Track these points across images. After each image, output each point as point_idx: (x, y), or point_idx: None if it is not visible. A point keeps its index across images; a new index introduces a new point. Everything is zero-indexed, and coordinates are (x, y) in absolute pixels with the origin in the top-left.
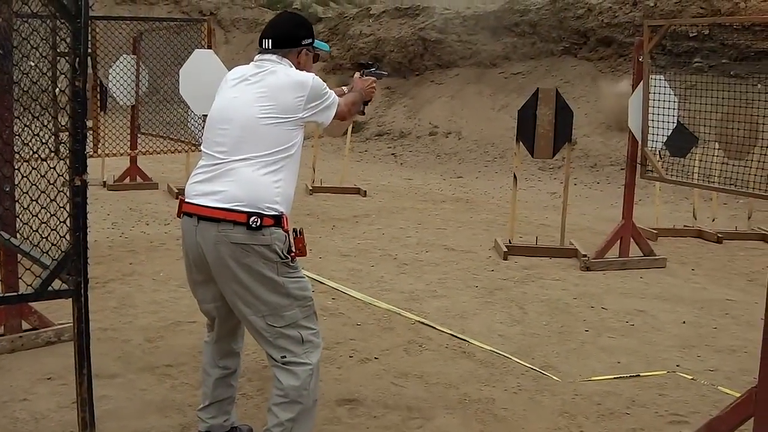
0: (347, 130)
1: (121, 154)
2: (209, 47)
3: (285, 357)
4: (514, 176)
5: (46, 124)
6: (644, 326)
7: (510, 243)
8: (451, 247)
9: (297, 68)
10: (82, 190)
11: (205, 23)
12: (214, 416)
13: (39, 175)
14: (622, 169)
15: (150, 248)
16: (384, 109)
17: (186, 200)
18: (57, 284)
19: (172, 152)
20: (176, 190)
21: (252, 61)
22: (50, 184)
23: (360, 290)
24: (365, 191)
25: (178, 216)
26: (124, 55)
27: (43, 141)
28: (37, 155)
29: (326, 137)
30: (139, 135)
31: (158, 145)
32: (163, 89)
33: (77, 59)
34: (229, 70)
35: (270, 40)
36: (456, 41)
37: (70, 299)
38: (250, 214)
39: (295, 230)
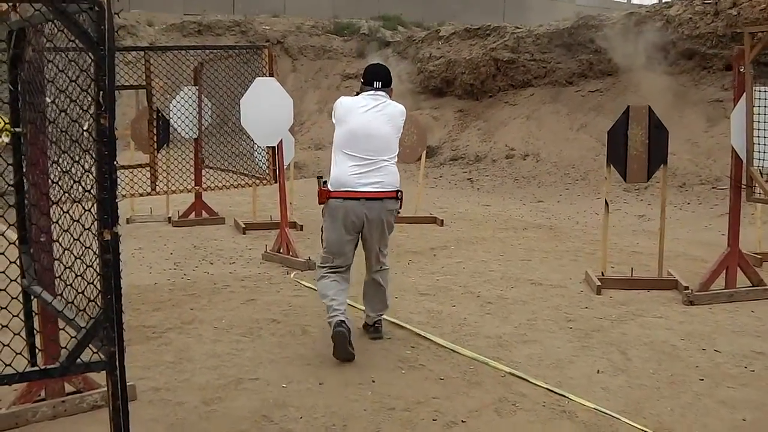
0: (421, 155)
1: (181, 191)
2: (271, 75)
3: (383, 267)
4: (606, 203)
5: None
6: (766, 372)
7: (602, 275)
8: (538, 282)
9: (390, 98)
10: (114, 245)
11: (265, 50)
12: (344, 311)
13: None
14: (713, 188)
15: (213, 291)
16: (457, 133)
17: (349, 189)
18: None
19: (235, 187)
20: (243, 225)
21: (360, 93)
22: (74, 239)
23: (441, 335)
24: (442, 220)
25: (320, 203)
26: (186, 87)
27: (65, 189)
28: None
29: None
30: (203, 169)
31: (223, 179)
32: (230, 121)
33: (101, 93)
34: (296, 97)
35: (380, 83)
36: (529, 60)
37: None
38: (397, 192)
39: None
